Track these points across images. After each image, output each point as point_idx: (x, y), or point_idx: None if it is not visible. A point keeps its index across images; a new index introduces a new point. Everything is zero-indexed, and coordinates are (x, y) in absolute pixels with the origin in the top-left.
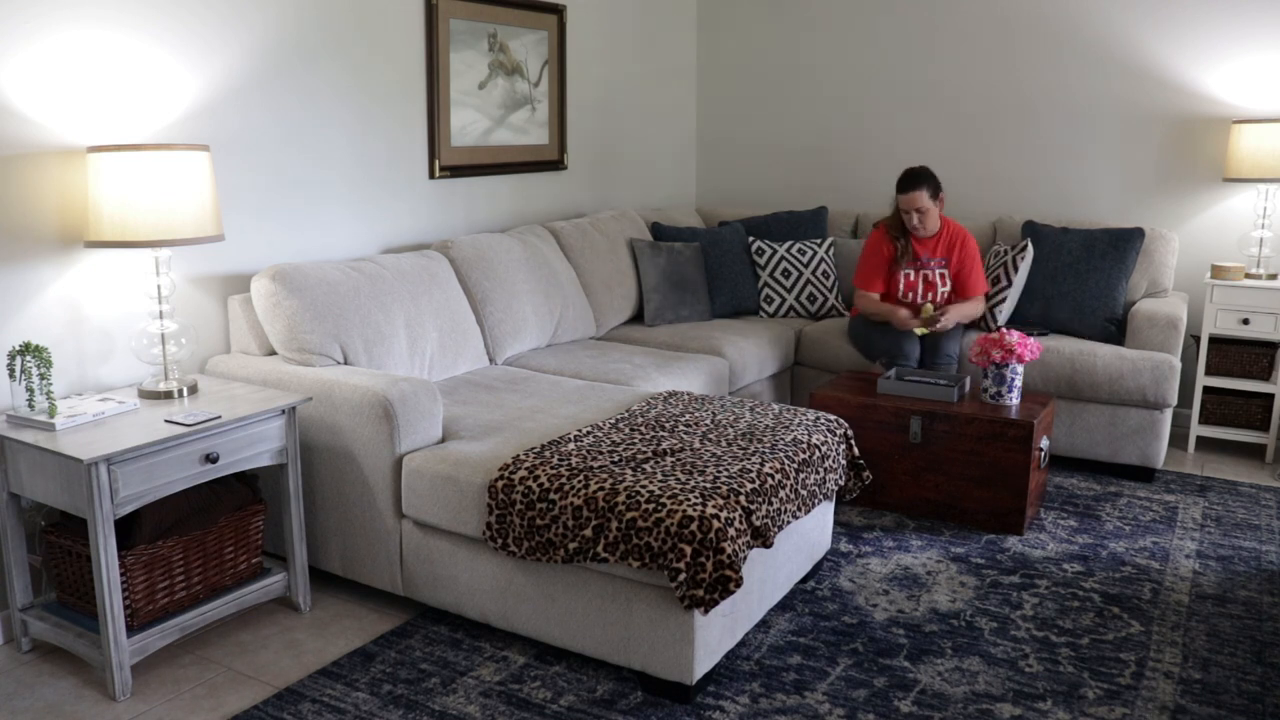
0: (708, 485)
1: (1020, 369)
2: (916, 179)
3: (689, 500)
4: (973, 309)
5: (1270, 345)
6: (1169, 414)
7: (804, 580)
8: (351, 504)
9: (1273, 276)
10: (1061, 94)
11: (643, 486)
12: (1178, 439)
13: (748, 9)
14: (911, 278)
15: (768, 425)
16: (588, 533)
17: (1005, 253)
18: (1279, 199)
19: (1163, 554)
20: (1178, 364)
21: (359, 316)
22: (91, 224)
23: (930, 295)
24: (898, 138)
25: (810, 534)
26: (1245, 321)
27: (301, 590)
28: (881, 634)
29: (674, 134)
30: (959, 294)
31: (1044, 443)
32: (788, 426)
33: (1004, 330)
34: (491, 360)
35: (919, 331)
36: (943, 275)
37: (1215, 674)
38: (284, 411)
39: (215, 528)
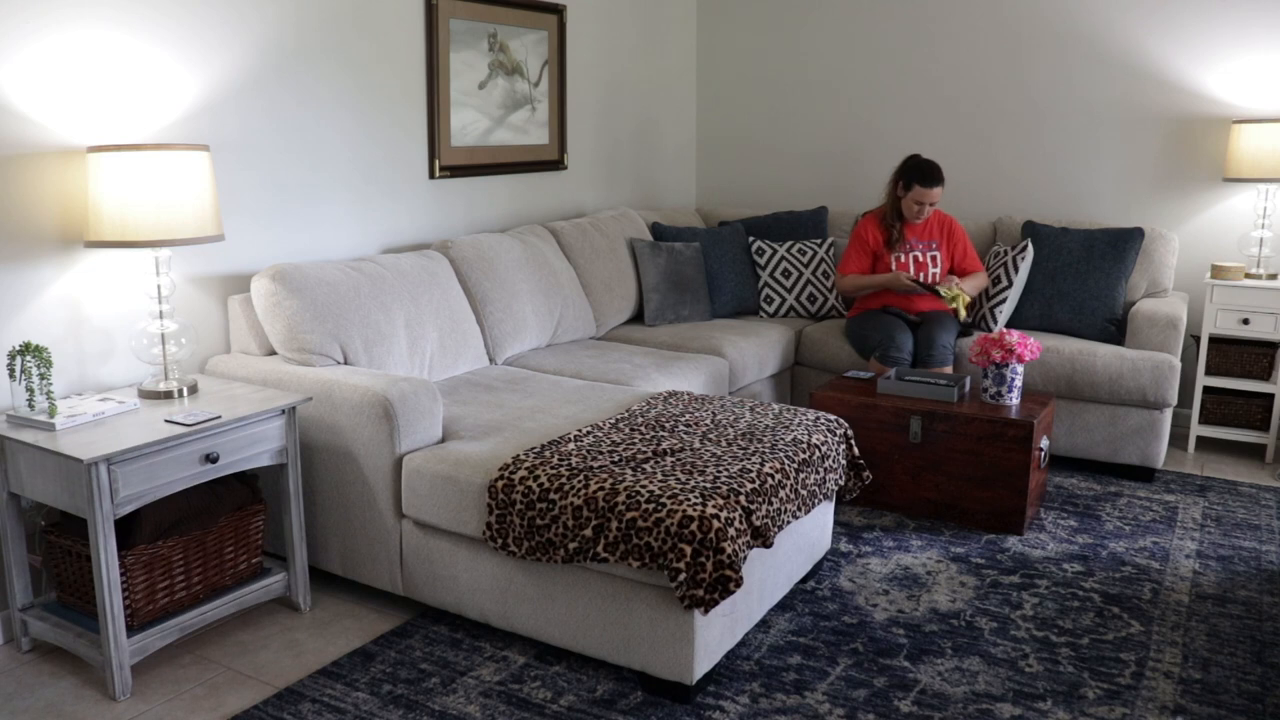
0: (708, 485)
1: (1020, 369)
2: (939, 174)
3: (689, 500)
4: (982, 280)
5: (1270, 345)
6: (1169, 414)
7: (804, 580)
8: (351, 504)
9: (1273, 276)
10: (1061, 94)
11: (643, 486)
12: (1178, 439)
13: (748, 9)
14: (903, 260)
15: (768, 425)
16: (588, 533)
17: (1005, 253)
18: (1279, 199)
19: (1163, 554)
20: (1178, 364)
21: (359, 316)
22: (91, 224)
23: (921, 276)
24: (898, 138)
25: (810, 534)
26: (1245, 321)
27: (301, 590)
28: (881, 634)
29: (674, 134)
30: (962, 274)
31: (1044, 443)
32: (788, 426)
33: (1004, 330)
34: (491, 360)
35: (962, 314)
36: (933, 258)
37: (1215, 674)
38: (284, 411)
39: (215, 528)
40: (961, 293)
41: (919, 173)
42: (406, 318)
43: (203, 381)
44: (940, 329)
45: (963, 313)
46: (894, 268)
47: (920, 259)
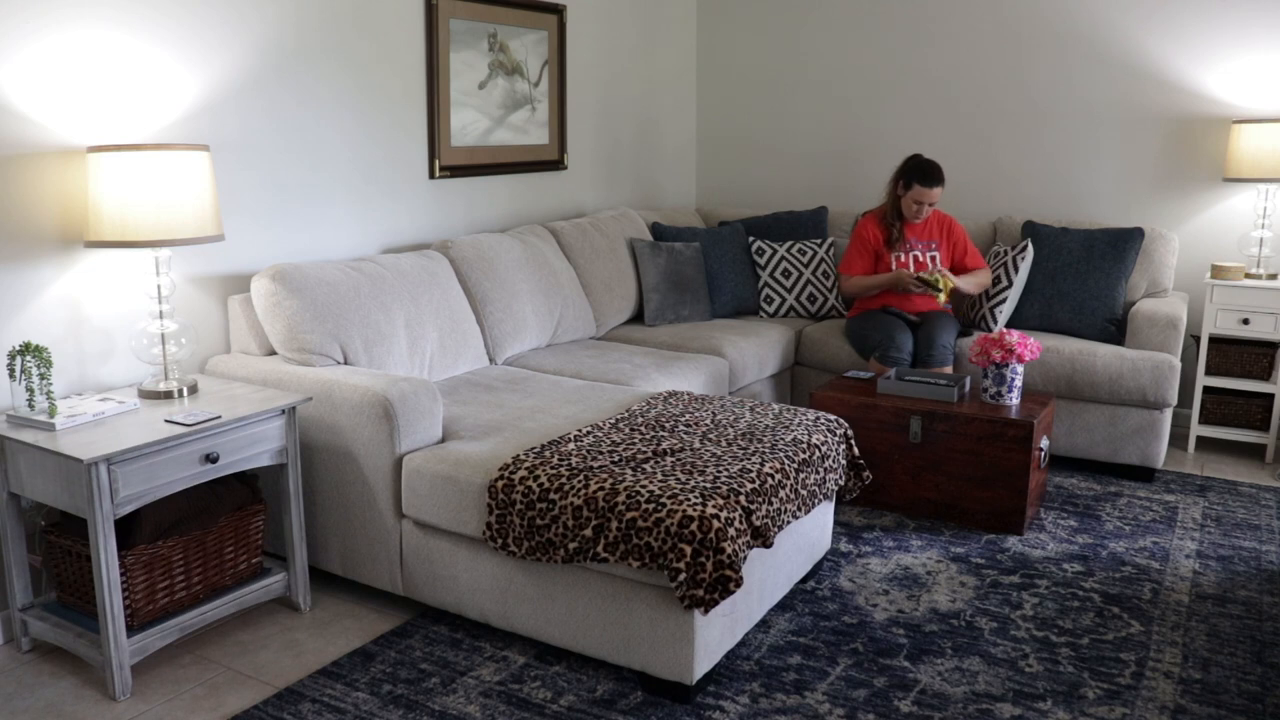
0: (708, 485)
1: (1020, 369)
2: (940, 175)
3: (689, 500)
4: (984, 277)
5: (1270, 345)
6: (1169, 414)
7: (804, 580)
8: (351, 504)
9: (1273, 276)
10: (1062, 94)
11: (643, 486)
12: (1178, 439)
13: (748, 9)
14: (903, 259)
15: (768, 425)
16: (588, 533)
17: (1005, 253)
18: (1279, 199)
19: (1163, 554)
20: (1178, 364)
21: (359, 316)
22: (91, 224)
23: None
24: (898, 138)
25: (810, 534)
26: (1245, 321)
27: (301, 590)
28: (881, 634)
29: (674, 134)
30: (964, 271)
31: (1044, 443)
32: (788, 426)
33: (1004, 330)
34: (491, 360)
35: (941, 299)
36: (933, 257)
37: (1215, 674)
38: (284, 411)
39: (215, 528)
40: (944, 276)
41: (919, 172)
42: (406, 318)
43: (203, 381)
44: (940, 329)
45: (942, 298)
46: (894, 267)
47: (920, 258)
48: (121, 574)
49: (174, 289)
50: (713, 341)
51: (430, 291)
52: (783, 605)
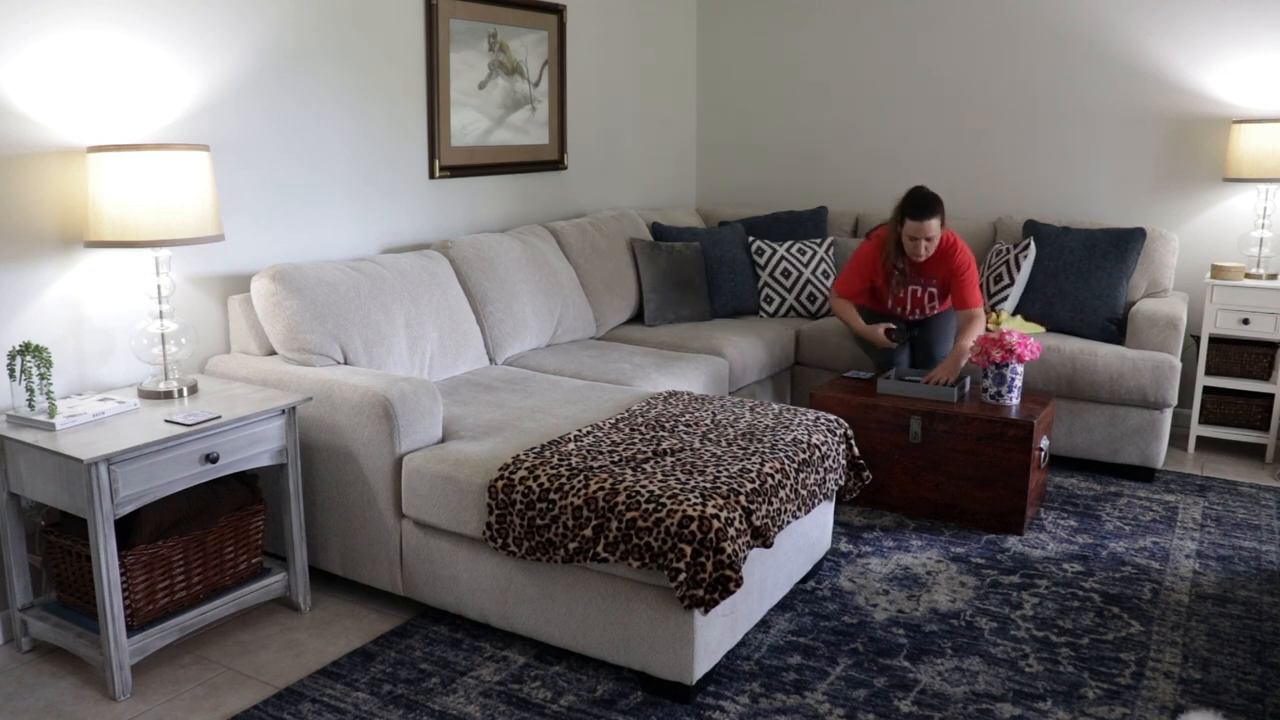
0: (708, 485)
1: (1020, 369)
2: (931, 207)
3: (689, 500)
4: (979, 328)
5: (1270, 345)
6: (1169, 414)
7: (804, 580)
8: (351, 504)
9: (1273, 276)
10: (1062, 94)
11: (643, 486)
12: (1178, 439)
13: (748, 9)
14: (900, 295)
15: (768, 425)
16: (588, 533)
17: (1007, 251)
18: (1279, 199)
19: (1163, 554)
20: (1178, 364)
21: (359, 316)
22: (91, 224)
23: (918, 311)
24: (898, 138)
25: (810, 534)
26: (1245, 321)
27: (301, 590)
28: (881, 634)
29: (674, 134)
30: (953, 306)
31: (1044, 443)
32: (788, 426)
33: (1004, 330)
34: (491, 360)
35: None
36: (930, 293)
37: (1215, 674)
38: (284, 411)
39: (215, 528)
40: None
41: (910, 204)
42: (406, 318)
43: (203, 381)
44: (937, 340)
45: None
46: (891, 302)
47: (919, 294)
48: (121, 574)
49: (174, 289)
50: (713, 341)
51: (430, 291)
52: (783, 605)
